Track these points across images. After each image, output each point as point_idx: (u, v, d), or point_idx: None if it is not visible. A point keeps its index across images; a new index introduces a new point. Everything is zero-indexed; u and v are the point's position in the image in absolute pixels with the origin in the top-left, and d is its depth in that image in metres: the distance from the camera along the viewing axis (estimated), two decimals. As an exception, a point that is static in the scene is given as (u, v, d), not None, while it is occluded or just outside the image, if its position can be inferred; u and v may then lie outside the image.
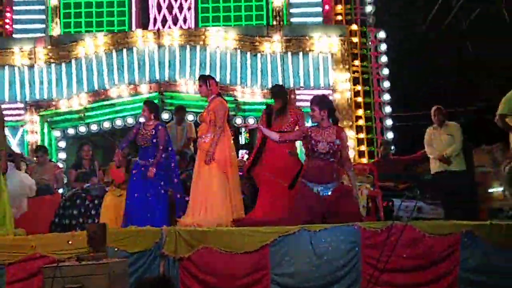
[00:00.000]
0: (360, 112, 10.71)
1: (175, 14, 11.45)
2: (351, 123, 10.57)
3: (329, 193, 5.86)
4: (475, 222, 5.79)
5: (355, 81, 10.77)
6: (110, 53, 10.56)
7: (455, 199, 7.76)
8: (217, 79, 10.27)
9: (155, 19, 11.43)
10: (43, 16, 11.25)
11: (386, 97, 10.84)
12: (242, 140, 14.86)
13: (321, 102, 6.10)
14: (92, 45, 10.58)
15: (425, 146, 8.53)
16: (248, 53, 10.62)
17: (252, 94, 10.58)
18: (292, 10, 11.27)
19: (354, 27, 11.04)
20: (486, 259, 5.50)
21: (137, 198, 7.02)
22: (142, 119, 7.95)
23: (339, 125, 6.24)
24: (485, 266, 5.49)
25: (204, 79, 7.16)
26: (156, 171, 7.06)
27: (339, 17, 11.24)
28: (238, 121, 10.62)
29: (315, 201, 5.85)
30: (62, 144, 10.71)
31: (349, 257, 5.44)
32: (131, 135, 7.40)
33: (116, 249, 5.50)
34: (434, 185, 8.35)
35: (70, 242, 5.53)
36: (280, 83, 10.42)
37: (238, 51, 10.60)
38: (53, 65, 10.62)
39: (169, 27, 11.22)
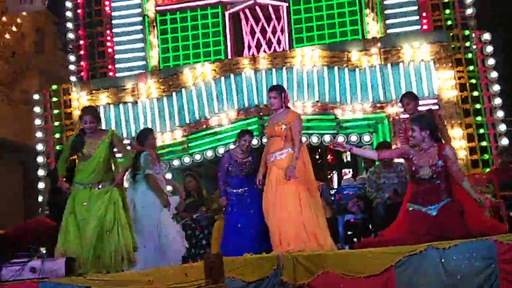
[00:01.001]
0: (470, 119, 10.14)
1: (269, 38, 11.50)
2: (461, 131, 10.02)
3: (435, 213, 5.59)
4: None
5: (461, 88, 10.22)
6: (210, 83, 10.67)
7: None
8: (316, 98, 10.31)
9: (249, 46, 11.53)
10: (142, 54, 11.59)
11: (497, 101, 10.18)
12: (346, 158, 14.57)
13: (422, 121, 5.87)
14: (191, 76, 10.73)
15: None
16: (346, 69, 10.38)
17: (352, 111, 10.30)
18: (388, 21, 10.97)
19: (456, 31, 10.57)
20: None
21: (250, 227, 6.97)
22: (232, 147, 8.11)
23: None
24: None
25: (279, 91, 6.80)
26: None
27: (439, 23, 10.82)
28: (340, 139, 10.33)
29: (426, 223, 5.58)
30: (168, 176, 10.82)
31: (486, 275, 5.00)
32: (224, 169, 7.30)
33: (232, 279, 5.37)
34: None
35: (187, 274, 5.45)
36: (381, 96, 10.15)
37: (336, 68, 10.37)
38: (154, 100, 10.86)
39: (264, 51, 11.24)
